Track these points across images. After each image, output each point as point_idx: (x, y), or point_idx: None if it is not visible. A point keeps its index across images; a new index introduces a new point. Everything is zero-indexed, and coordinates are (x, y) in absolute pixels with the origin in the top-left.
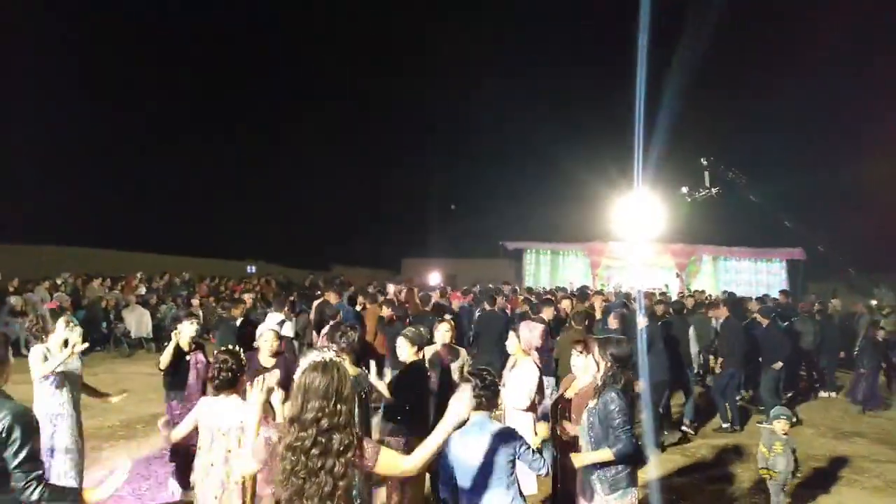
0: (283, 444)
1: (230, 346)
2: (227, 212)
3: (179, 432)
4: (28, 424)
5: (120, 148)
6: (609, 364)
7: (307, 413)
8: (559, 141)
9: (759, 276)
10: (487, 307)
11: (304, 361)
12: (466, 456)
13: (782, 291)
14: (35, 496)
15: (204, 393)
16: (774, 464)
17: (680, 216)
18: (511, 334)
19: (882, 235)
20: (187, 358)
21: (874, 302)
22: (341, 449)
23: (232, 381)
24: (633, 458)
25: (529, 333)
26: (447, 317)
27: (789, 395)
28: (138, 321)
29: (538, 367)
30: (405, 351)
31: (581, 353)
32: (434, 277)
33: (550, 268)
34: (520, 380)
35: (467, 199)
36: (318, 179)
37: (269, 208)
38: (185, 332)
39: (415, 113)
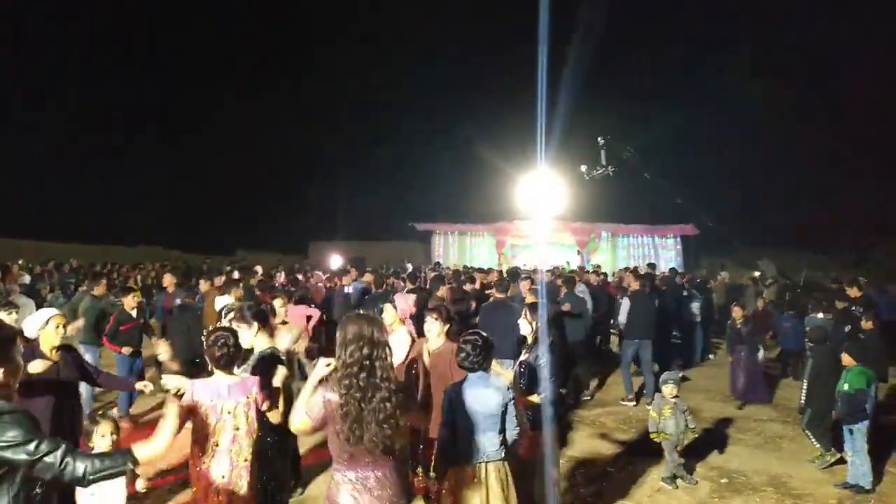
0: (340, 365)
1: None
2: (119, 194)
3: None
4: (16, 416)
5: None
6: (537, 325)
7: (351, 345)
8: (466, 123)
9: (654, 251)
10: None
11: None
12: (471, 403)
13: (650, 265)
14: (80, 471)
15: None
16: (665, 427)
17: (579, 194)
18: (387, 305)
19: (765, 211)
20: None
21: (757, 274)
22: (385, 374)
23: (234, 357)
24: (555, 404)
25: (405, 304)
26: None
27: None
28: (21, 312)
29: (411, 334)
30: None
31: (436, 319)
32: (336, 260)
33: (459, 249)
34: (395, 345)
35: (376, 180)
36: (219, 159)
37: (166, 190)
38: None
39: (322, 94)
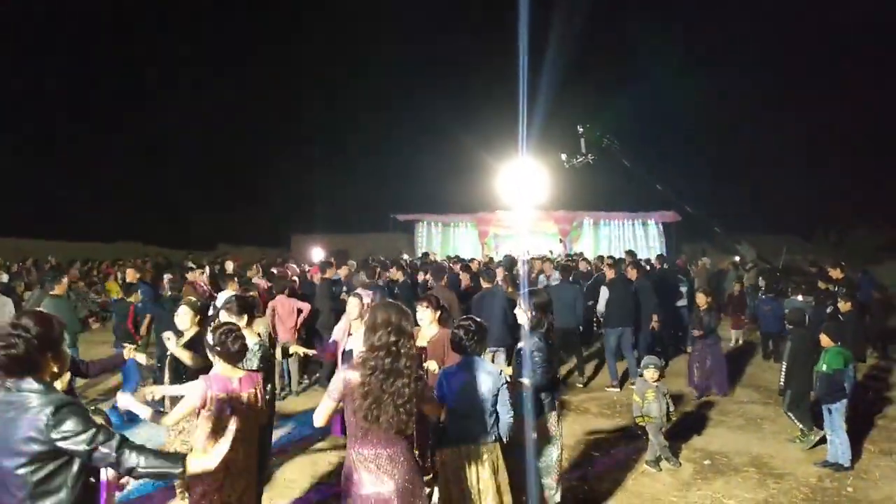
0: (367, 347)
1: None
2: (96, 189)
3: (175, 416)
4: (73, 407)
5: None
6: (533, 312)
7: (379, 330)
8: (447, 113)
9: (636, 238)
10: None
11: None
12: (463, 387)
13: (629, 252)
14: (133, 462)
15: None
16: (649, 410)
17: (561, 183)
18: (352, 298)
19: (743, 196)
20: None
21: (737, 258)
22: (409, 363)
23: (245, 350)
24: (548, 389)
25: (367, 298)
26: None
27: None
28: (0, 311)
29: None
30: (186, 319)
31: (426, 307)
32: (317, 253)
33: (442, 239)
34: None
35: (358, 172)
36: (197, 153)
37: (145, 184)
38: None
39: (303, 84)
